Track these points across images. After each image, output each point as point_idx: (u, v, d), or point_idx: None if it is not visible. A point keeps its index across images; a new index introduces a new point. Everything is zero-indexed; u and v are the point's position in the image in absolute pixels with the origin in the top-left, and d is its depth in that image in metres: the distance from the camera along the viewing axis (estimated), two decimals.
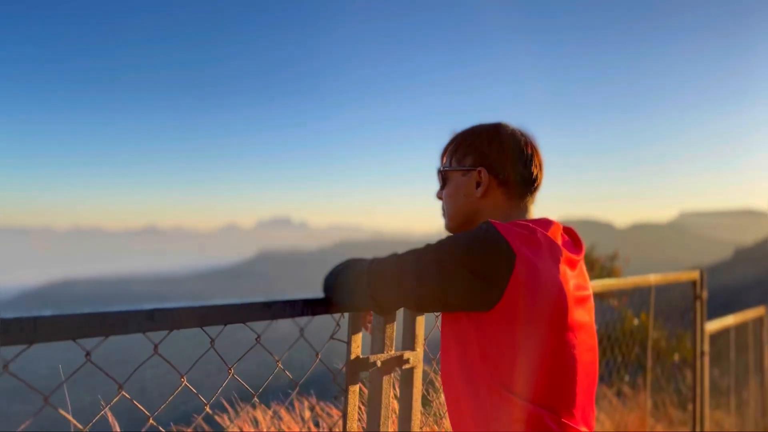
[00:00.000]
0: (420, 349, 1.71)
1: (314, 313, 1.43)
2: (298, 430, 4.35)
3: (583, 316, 1.34)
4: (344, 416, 1.54)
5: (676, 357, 6.62)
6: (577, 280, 1.36)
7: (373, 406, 1.59)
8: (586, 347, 1.34)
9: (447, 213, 1.52)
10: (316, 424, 4.29)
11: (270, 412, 4.53)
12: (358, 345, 1.55)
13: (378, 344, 1.60)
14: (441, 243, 1.30)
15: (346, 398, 1.52)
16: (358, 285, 1.37)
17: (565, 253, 1.35)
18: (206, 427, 4.30)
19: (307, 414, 4.56)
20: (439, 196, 1.55)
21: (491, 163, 1.45)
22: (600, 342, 2.01)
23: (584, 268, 1.45)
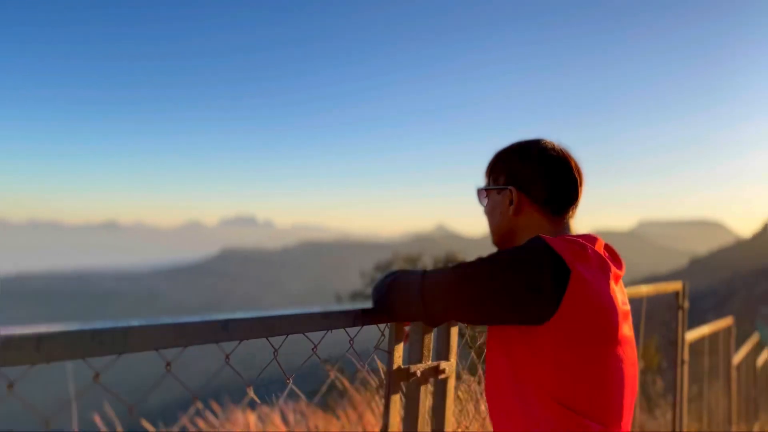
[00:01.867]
0: (453, 359, 1.73)
1: (365, 323, 1.45)
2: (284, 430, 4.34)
3: (628, 330, 1.39)
4: (385, 427, 1.55)
5: (642, 364, 6.81)
6: (621, 295, 1.41)
7: (411, 415, 1.61)
8: (631, 361, 1.38)
9: (489, 229, 1.56)
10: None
11: (253, 415, 4.51)
12: (400, 355, 1.56)
13: (416, 354, 1.62)
14: (494, 257, 1.33)
15: (387, 409, 1.53)
16: (412, 297, 1.39)
17: (612, 269, 1.39)
18: (190, 427, 4.25)
19: (291, 417, 4.55)
20: (485, 213, 1.59)
21: (522, 181, 1.47)
22: None
23: (622, 283, 1.49)
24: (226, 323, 1.11)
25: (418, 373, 1.58)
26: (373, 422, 4.40)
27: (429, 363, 1.64)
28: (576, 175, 1.49)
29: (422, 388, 1.62)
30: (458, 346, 1.76)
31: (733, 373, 6.69)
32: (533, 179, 1.47)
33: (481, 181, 1.60)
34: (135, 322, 0.96)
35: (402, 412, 1.60)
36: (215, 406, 4.39)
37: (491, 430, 1.89)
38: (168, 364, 1.04)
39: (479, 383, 2.11)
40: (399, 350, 1.56)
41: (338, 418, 4.74)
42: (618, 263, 1.49)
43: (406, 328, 1.63)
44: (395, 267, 20.59)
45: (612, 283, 1.37)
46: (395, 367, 1.54)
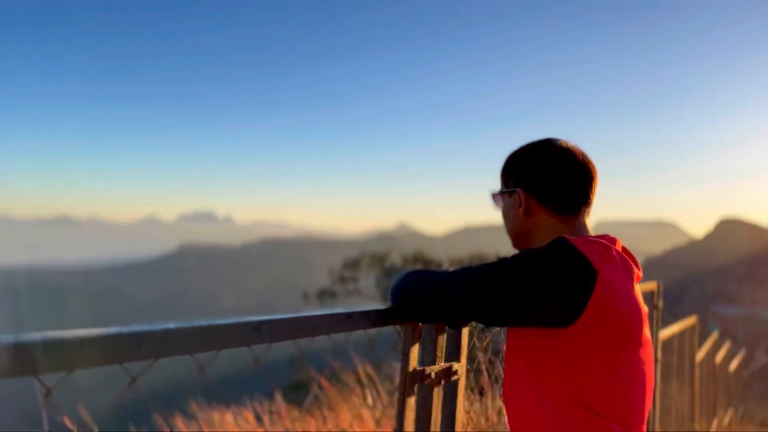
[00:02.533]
0: (464, 360, 1.71)
1: (384, 324, 1.41)
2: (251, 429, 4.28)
3: (647, 331, 1.39)
4: (400, 430, 1.51)
5: None
6: (640, 296, 1.41)
7: (424, 418, 1.58)
8: (650, 363, 1.38)
9: (507, 230, 1.55)
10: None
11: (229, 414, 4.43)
12: (415, 357, 1.53)
13: (429, 355, 1.60)
14: (519, 258, 1.31)
15: (402, 412, 1.50)
16: (436, 297, 1.36)
17: (634, 269, 1.39)
18: (164, 428, 4.15)
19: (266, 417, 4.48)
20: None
21: (530, 182, 1.47)
22: None
23: None
24: (259, 325, 1.06)
25: (433, 375, 1.56)
26: (349, 419, 4.37)
27: (442, 364, 1.61)
28: (586, 173, 1.47)
29: (435, 390, 1.59)
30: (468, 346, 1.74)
31: (697, 371, 6.88)
32: (541, 180, 1.46)
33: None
34: (171, 325, 0.91)
35: (414, 415, 1.58)
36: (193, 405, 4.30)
37: (500, 431, 1.87)
38: (133, 380, 0.94)
39: (495, 384, 2.10)
40: (414, 352, 1.53)
41: (314, 416, 4.69)
42: (636, 264, 1.49)
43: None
44: (363, 264, 20.71)
45: (635, 284, 1.37)
46: (411, 369, 1.51)
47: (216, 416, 4.24)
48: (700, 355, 7.23)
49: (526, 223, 1.48)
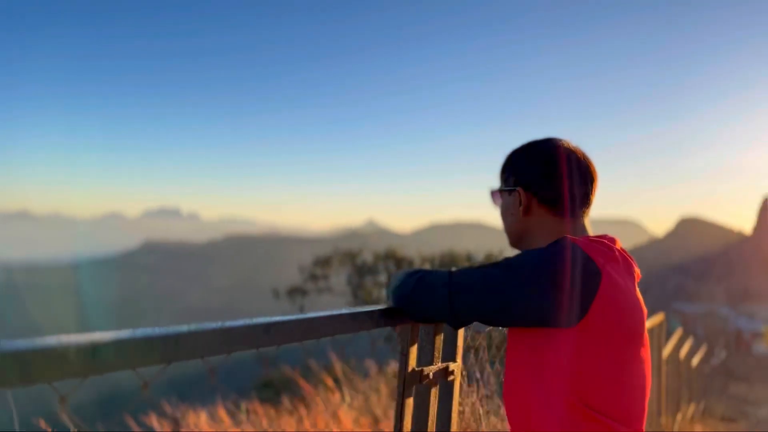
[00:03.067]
0: (460, 360, 1.71)
1: (387, 324, 1.40)
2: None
3: (646, 331, 1.40)
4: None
5: None
6: (641, 296, 1.42)
7: (422, 419, 1.57)
8: (649, 362, 1.40)
9: (504, 230, 1.55)
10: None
11: (204, 414, 4.36)
12: (414, 357, 1.52)
13: (427, 355, 1.58)
14: (523, 258, 1.31)
15: (401, 413, 1.49)
16: (439, 297, 1.35)
17: (635, 269, 1.40)
18: (135, 427, 4.06)
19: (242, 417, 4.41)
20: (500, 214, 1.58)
21: (530, 182, 1.47)
22: None
23: None
24: (269, 327, 1.03)
25: (431, 375, 1.55)
26: (327, 419, 4.34)
27: (439, 364, 1.60)
28: (586, 173, 1.48)
29: (432, 391, 1.58)
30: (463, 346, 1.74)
31: (663, 367, 7.03)
32: (542, 180, 1.45)
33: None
34: (184, 329, 0.88)
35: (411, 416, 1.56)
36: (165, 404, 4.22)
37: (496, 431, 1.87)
38: (145, 384, 0.93)
39: (489, 383, 2.10)
40: (413, 352, 1.52)
41: (291, 415, 4.64)
42: (634, 263, 1.50)
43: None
44: (334, 262, 20.61)
45: (636, 283, 1.39)
46: (410, 369, 1.50)
47: (191, 416, 4.16)
48: (666, 351, 7.40)
49: (526, 223, 1.48)
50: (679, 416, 8.62)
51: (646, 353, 1.37)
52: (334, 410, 4.38)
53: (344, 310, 1.26)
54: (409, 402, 1.51)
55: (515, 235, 1.52)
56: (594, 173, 1.50)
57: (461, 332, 1.72)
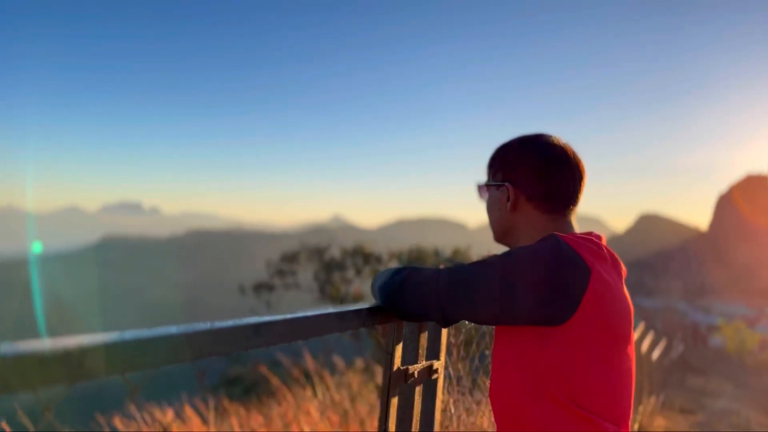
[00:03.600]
0: (443, 357, 1.69)
1: (374, 323, 1.36)
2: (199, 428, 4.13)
3: (633, 328, 1.40)
4: None
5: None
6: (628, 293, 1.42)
7: (407, 418, 1.54)
8: (634, 359, 1.40)
9: (490, 225, 1.54)
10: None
11: (171, 411, 4.26)
12: (399, 356, 1.50)
13: (411, 354, 1.56)
14: (513, 255, 1.29)
15: (386, 413, 1.46)
16: (428, 295, 1.32)
17: (622, 267, 1.40)
18: (105, 427, 3.95)
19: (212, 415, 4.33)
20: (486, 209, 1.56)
21: (518, 177, 1.45)
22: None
23: None
24: (258, 328, 0.99)
25: (416, 374, 1.52)
26: (297, 415, 4.29)
27: (424, 363, 1.58)
28: (576, 171, 1.46)
29: (417, 390, 1.56)
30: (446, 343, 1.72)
31: None
32: (530, 175, 1.44)
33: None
34: (173, 330, 0.83)
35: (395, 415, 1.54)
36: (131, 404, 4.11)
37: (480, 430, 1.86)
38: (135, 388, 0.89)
39: (471, 381, 2.09)
40: (399, 351, 1.49)
41: (260, 412, 4.58)
42: (621, 262, 1.50)
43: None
44: (302, 257, 20.44)
45: (623, 280, 1.38)
46: (395, 368, 1.47)
47: (158, 415, 4.06)
48: None
49: (513, 219, 1.47)
50: (641, 409, 8.81)
51: (632, 351, 1.37)
52: (303, 406, 4.33)
53: (331, 310, 1.22)
54: (394, 401, 1.48)
55: (501, 231, 1.51)
56: (583, 171, 1.48)
57: (445, 330, 1.70)
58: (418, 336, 1.56)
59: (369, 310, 1.35)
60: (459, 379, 1.95)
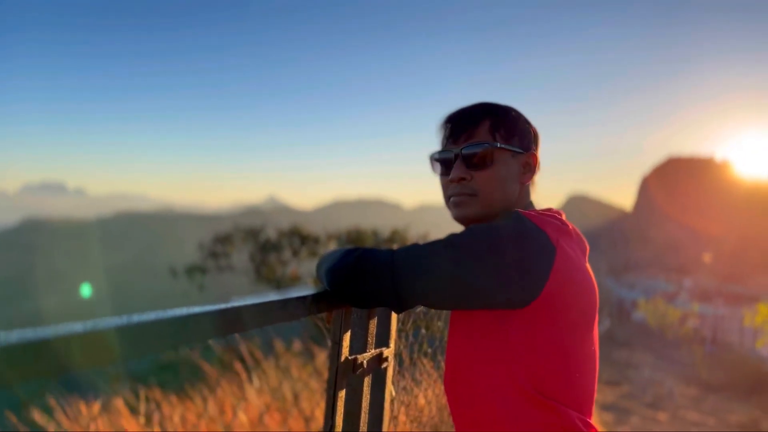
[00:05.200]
0: (393, 345, 1.57)
1: (320, 311, 1.22)
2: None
3: (598, 309, 1.32)
4: (331, 429, 1.34)
5: None
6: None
7: (354, 411, 1.42)
8: (597, 343, 1.32)
9: (483, 198, 1.31)
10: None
11: (97, 405, 4.00)
12: (347, 345, 1.36)
13: (360, 342, 1.43)
14: (473, 234, 1.16)
15: (333, 407, 1.33)
16: (382, 279, 1.17)
17: (586, 244, 1.32)
18: (21, 427, 3.66)
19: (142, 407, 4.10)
20: (462, 177, 1.32)
21: (535, 146, 1.39)
22: None
23: None
24: (186, 321, 0.84)
25: (365, 364, 1.40)
26: (234, 403, 4.13)
27: (373, 351, 1.46)
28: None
29: (365, 380, 1.44)
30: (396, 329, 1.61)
31: None
32: (535, 146, 1.39)
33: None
34: (78, 328, 0.67)
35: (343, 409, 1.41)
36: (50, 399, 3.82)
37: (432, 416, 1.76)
38: None
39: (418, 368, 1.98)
40: (347, 340, 1.36)
41: (195, 403, 4.38)
42: (584, 238, 1.42)
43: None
44: (236, 239, 19.95)
45: (587, 259, 1.30)
46: (343, 358, 1.34)
47: (83, 409, 3.79)
48: None
49: (519, 192, 1.36)
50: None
51: (596, 333, 1.29)
52: (241, 394, 4.16)
53: (273, 297, 1.07)
54: (342, 394, 1.35)
55: (504, 205, 1.32)
56: None
57: (395, 315, 1.58)
58: (367, 322, 1.43)
59: (314, 296, 1.20)
60: (410, 364, 1.85)
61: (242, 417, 3.59)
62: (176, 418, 3.98)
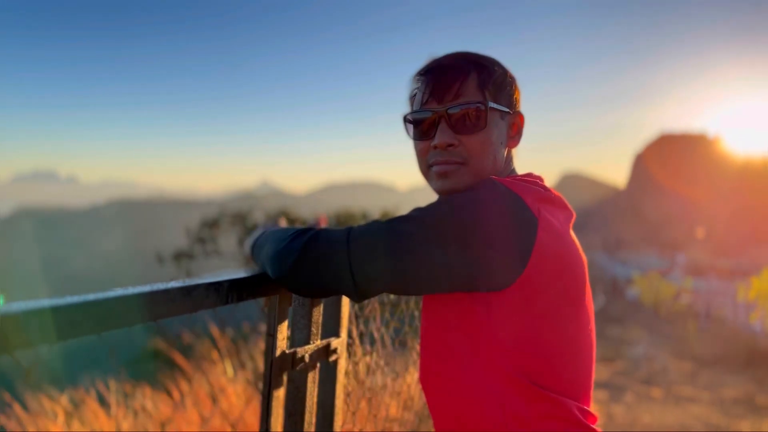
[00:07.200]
0: (344, 334, 1.39)
1: (241, 299, 1.03)
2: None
3: (588, 282, 1.12)
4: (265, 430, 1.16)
5: None
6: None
7: (297, 411, 1.24)
8: (593, 322, 1.13)
9: (474, 167, 1.12)
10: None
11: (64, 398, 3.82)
12: (284, 337, 1.18)
13: (302, 333, 1.25)
14: (439, 208, 0.97)
15: (268, 408, 1.14)
16: (338, 264, 0.96)
17: (571, 210, 1.13)
18: None
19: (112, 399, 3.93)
20: (450, 143, 1.11)
21: (515, 104, 1.20)
22: None
23: None
24: (27, 318, 0.65)
25: (307, 358, 1.21)
26: (209, 392, 3.96)
27: (318, 342, 1.27)
28: None
29: (310, 375, 1.25)
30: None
31: None
32: (518, 103, 1.22)
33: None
34: None
35: (284, 409, 1.23)
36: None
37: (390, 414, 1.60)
38: None
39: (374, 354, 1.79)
40: (283, 331, 1.17)
41: (169, 393, 4.20)
42: (568, 203, 1.22)
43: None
44: (223, 224, 19.75)
45: (571, 226, 1.10)
46: (279, 352, 1.15)
47: (46, 403, 3.61)
48: None
49: (507, 156, 1.19)
50: None
51: (591, 308, 1.10)
52: (216, 384, 3.99)
53: (174, 284, 0.88)
54: (279, 394, 1.17)
55: (493, 170, 1.14)
56: None
57: (346, 301, 1.39)
58: (310, 310, 1.24)
59: (233, 282, 1.01)
60: (373, 352, 1.66)
61: (221, 408, 3.41)
62: (149, 408, 3.81)
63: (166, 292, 0.87)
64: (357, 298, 1.00)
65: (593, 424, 1.04)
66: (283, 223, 1.35)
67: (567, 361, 1.01)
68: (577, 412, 1.00)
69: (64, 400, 3.80)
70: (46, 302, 0.70)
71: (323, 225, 1.41)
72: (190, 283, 0.92)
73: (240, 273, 1.08)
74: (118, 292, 0.81)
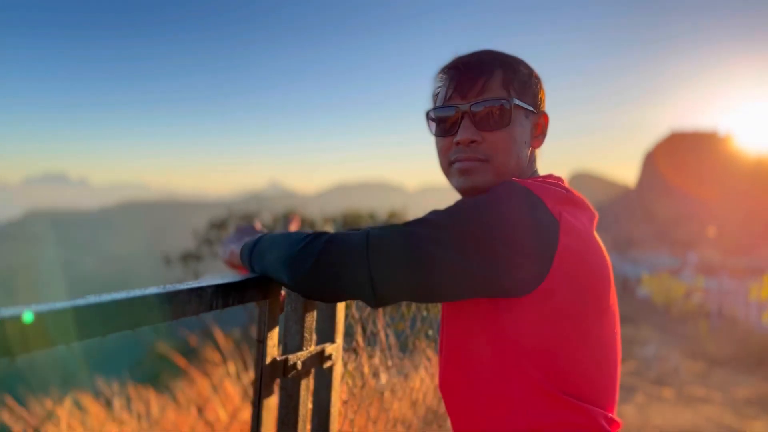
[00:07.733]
0: (340, 339, 1.34)
1: (227, 305, 0.99)
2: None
3: (613, 285, 1.08)
4: None
5: None
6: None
7: (290, 420, 1.19)
8: (618, 327, 1.09)
9: (497, 165, 1.09)
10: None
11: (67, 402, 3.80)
12: (275, 344, 1.13)
13: (295, 339, 1.20)
14: (459, 212, 0.94)
15: (258, 417, 1.10)
16: (352, 268, 0.92)
17: (594, 211, 1.09)
18: None
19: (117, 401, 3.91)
20: (473, 139, 1.08)
21: (540, 104, 1.18)
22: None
23: None
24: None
25: (299, 365, 1.17)
26: (210, 393, 3.93)
27: (312, 349, 1.23)
28: None
29: (303, 383, 1.21)
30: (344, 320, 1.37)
31: None
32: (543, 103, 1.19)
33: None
34: None
35: (277, 417, 1.19)
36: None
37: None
38: None
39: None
40: (274, 337, 1.13)
41: (173, 396, 4.19)
42: (591, 205, 1.19)
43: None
44: (231, 225, 19.74)
45: (594, 228, 1.06)
46: (269, 360, 1.11)
47: (48, 405, 3.60)
48: None
49: (528, 156, 1.14)
50: None
51: (616, 311, 1.06)
52: (221, 383, 3.96)
53: (152, 291, 0.84)
54: (270, 402, 1.12)
55: (518, 171, 1.11)
56: None
57: (341, 305, 1.35)
58: (303, 316, 1.20)
59: (218, 288, 0.97)
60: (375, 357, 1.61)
61: (221, 413, 3.38)
62: (154, 411, 3.79)
63: (143, 299, 0.82)
64: (375, 304, 0.96)
65: (616, 430, 1.01)
66: (258, 225, 1.30)
67: (592, 366, 0.98)
68: (602, 421, 0.96)
69: (68, 402, 3.79)
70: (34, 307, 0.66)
71: (295, 226, 1.39)
72: (171, 289, 0.87)
73: (226, 277, 1.03)
74: (91, 300, 0.77)
